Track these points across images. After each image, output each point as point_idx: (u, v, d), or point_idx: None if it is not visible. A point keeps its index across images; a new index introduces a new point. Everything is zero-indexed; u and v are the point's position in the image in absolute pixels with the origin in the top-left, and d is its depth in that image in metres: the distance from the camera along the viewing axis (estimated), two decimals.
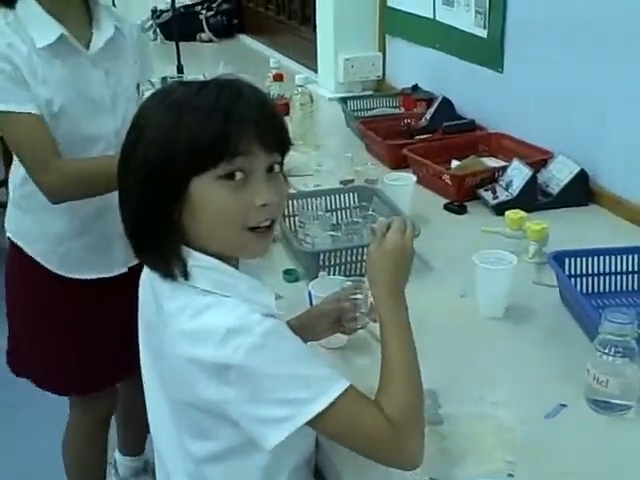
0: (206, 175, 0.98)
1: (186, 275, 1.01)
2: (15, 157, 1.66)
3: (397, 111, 2.74)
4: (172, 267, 1.01)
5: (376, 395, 1.03)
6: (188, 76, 2.97)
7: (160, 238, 1.01)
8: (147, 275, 1.10)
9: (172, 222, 1.00)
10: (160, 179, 0.98)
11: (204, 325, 0.97)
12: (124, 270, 1.82)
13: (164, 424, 1.10)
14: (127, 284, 1.27)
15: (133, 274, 1.21)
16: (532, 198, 1.94)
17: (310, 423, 0.96)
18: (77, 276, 1.79)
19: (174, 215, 1.00)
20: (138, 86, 1.81)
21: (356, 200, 1.91)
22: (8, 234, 1.81)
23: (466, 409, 1.23)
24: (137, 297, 1.15)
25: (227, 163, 0.98)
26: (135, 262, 1.53)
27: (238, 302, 0.99)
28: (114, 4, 3.38)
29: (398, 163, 2.25)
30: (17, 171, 1.71)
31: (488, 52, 2.36)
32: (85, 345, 1.83)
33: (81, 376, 1.86)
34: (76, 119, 1.65)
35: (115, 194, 1.07)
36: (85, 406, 1.97)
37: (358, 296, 1.31)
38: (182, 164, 0.98)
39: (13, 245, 1.80)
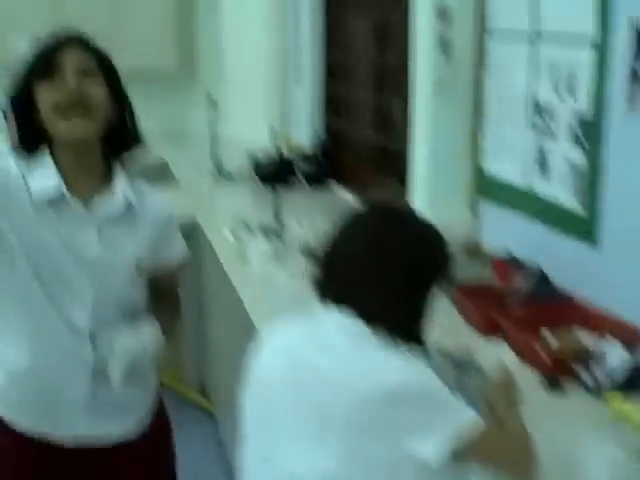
0: None
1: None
2: None
3: (489, 276, 2.74)
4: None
5: None
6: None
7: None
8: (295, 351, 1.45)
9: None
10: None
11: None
12: (69, 442, 1.70)
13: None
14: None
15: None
16: (634, 383, 1.88)
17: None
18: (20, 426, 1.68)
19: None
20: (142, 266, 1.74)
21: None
22: None
23: None
24: None
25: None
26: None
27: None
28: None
29: (493, 331, 2.24)
30: None
31: (584, 227, 2.38)
32: None
33: None
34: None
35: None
36: None
37: None
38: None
39: None
